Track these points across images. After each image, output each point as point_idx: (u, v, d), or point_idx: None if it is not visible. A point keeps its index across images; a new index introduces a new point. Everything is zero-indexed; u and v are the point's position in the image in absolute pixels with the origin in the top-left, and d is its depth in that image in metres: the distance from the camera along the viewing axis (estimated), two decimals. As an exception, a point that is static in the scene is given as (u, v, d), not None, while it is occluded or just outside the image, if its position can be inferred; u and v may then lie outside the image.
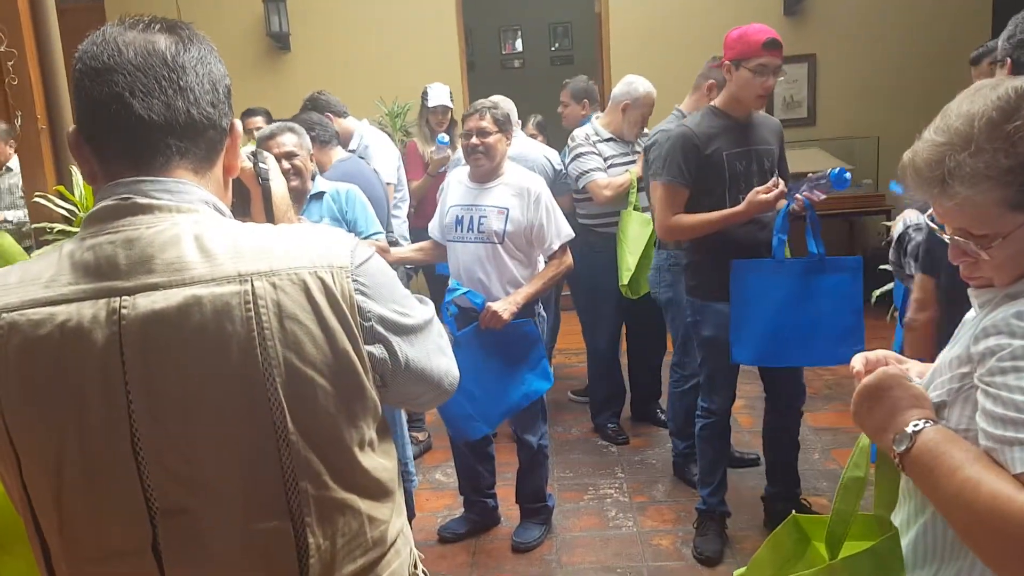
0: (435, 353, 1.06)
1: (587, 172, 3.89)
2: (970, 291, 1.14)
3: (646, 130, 4.01)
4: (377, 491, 1.00)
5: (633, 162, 3.93)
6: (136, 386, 0.88)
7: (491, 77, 8.87)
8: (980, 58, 3.07)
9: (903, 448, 1.03)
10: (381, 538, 1.01)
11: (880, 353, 1.25)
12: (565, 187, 4.03)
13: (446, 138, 4.51)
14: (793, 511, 1.29)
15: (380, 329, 0.97)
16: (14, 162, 4.74)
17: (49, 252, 0.95)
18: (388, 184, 3.92)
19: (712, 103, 2.95)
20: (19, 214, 4.65)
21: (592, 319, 4.20)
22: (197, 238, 0.92)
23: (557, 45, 9.53)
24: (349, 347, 0.92)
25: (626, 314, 4.12)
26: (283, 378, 0.89)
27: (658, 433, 4.15)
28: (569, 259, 3.14)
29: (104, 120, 0.93)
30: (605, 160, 3.92)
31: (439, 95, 4.74)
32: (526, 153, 3.94)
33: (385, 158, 4.08)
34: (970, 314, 1.17)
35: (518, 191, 3.01)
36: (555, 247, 3.06)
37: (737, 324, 2.82)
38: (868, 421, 1.11)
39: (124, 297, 0.88)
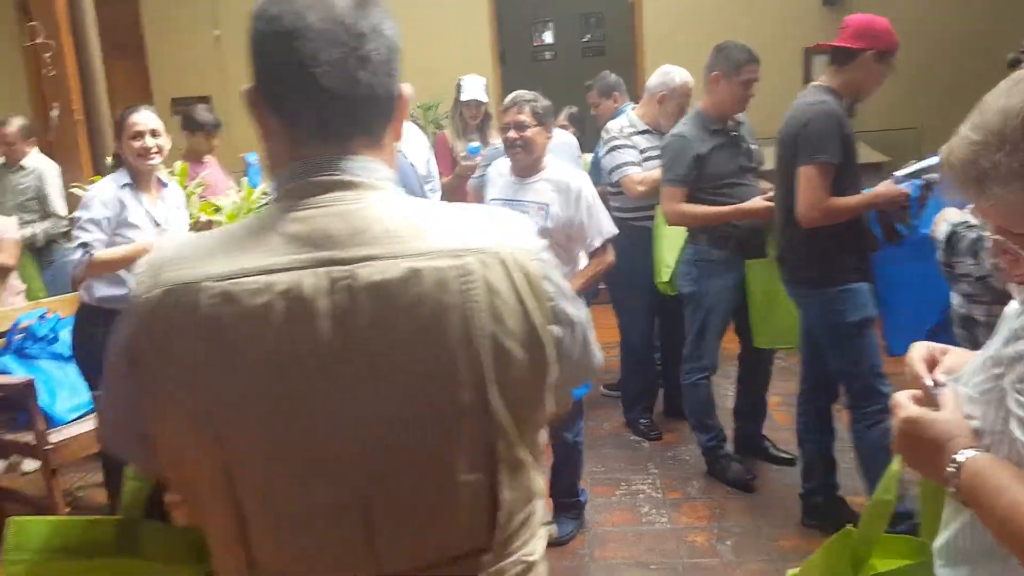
0: (586, 354, 1.11)
1: (621, 166, 3.84)
2: (1012, 287, 1.14)
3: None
4: (540, 449, 1.07)
5: (669, 154, 3.87)
6: (356, 355, 0.90)
7: (522, 69, 8.82)
8: (1018, 62, 2.96)
9: (953, 490, 1.04)
10: (538, 489, 1.08)
11: (924, 350, 1.23)
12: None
13: (477, 145, 4.49)
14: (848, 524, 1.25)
15: (557, 311, 1.01)
16: (32, 160, 4.71)
17: (243, 224, 0.97)
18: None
19: (826, 85, 2.86)
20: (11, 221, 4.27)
21: (625, 313, 4.16)
22: (403, 215, 0.95)
23: (589, 36, 9.45)
24: (538, 324, 0.97)
25: (660, 309, 4.07)
26: (489, 349, 0.93)
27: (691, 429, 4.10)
28: (610, 256, 3.09)
29: (287, 87, 0.93)
30: (641, 153, 3.86)
31: (473, 89, 4.69)
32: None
33: (415, 150, 4.06)
34: (1011, 307, 1.14)
35: (559, 187, 2.97)
36: (596, 244, 3.02)
37: (894, 314, 2.80)
38: (917, 466, 1.13)
39: (343, 267, 0.90)
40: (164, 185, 3.26)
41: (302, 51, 0.90)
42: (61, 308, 3.70)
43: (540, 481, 1.07)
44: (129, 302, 0.95)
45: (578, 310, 1.06)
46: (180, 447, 0.94)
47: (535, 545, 1.07)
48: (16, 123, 4.64)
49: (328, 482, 0.93)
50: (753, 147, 3.53)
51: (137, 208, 3.07)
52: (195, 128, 4.61)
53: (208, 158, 4.62)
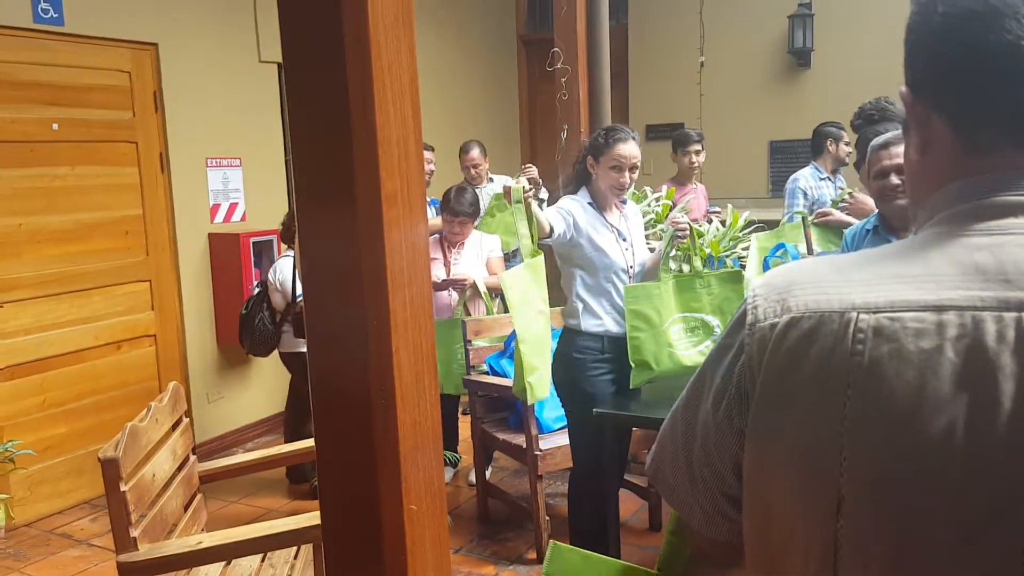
0: None
1: None
2: None
3: None
4: None
5: None
6: None
7: None
8: None
9: None
10: None
11: None
12: None
13: None
14: None
15: None
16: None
17: (893, 248, 0.80)
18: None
19: None
20: None
21: None
22: None
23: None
24: None
25: None
26: None
27: None
28: None
29: (983, 76, 0.75)
30: None
31: None
32: None
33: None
34: None
35: None
36: None
37: None
38: None
39: None
40: (624, 202, 3.19)
41: (1012, 30, 0.72)
42: (555, 318, 3.86)
43: None
44: (736, 326, 0.82)
45: None
46: (769, 505, 0.78)
47: None
48: (477, 147, 5.22)
49: None
50: None
51: (599, 224, 3.02)
52: (684, 150, 4.61)
53: (697, 184, 4.58)
